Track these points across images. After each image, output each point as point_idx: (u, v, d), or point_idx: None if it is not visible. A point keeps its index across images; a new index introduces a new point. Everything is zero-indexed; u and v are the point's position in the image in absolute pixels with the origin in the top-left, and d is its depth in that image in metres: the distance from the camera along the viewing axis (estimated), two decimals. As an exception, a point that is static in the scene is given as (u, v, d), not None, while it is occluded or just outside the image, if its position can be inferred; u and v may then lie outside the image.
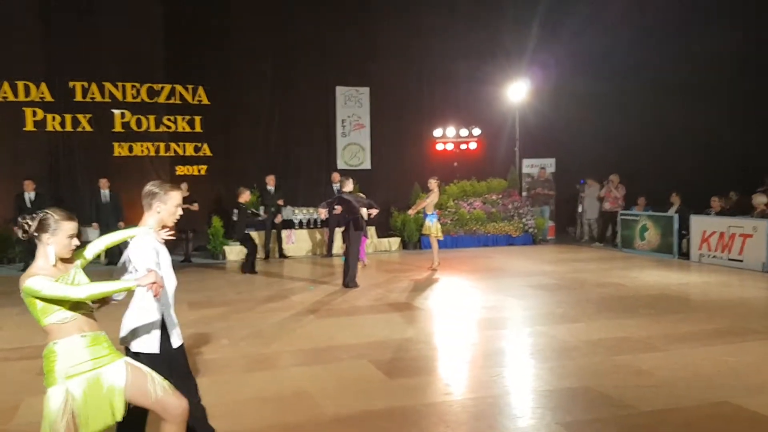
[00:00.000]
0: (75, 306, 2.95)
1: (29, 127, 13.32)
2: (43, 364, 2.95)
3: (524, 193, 16.42)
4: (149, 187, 3.42)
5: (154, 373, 3.13)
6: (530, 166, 16.66)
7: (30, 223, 2.94)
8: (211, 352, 6.07)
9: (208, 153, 14.72)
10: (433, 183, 11.45)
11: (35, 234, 2.95)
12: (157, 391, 3.07)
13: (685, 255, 12.16)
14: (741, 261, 10.83)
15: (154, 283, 2.93)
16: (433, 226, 11.29)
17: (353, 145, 15.87)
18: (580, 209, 15.83)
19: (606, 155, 15.76)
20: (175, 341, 3.42)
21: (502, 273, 11.07)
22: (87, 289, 2.86)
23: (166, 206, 3.40)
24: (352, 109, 15.81)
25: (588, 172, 15.61)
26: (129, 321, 3.35)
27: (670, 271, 10.94)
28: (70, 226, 2.99)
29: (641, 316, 7.41)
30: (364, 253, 11.76)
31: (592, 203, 15.43)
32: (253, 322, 7.41)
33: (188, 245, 13.12)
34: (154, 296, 3.02)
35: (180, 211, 3.49)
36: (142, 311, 3.32)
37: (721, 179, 13.95)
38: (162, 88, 14.33)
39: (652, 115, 15.78)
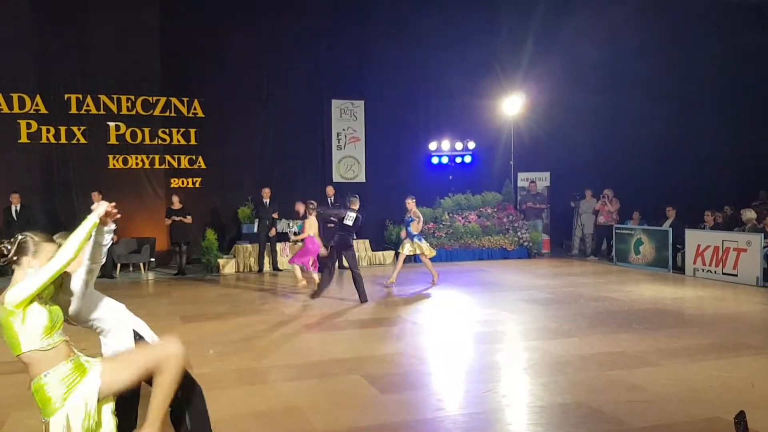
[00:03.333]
0: (57, 332, 2.85)
1: (23, 139, 13.30)
2: (35, 398, 2.85)
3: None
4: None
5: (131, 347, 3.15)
6: (525, 180, 16.68)
7: (9, 247, 2.85)
8: (201, 366, 6.00)
9: (203, 165, 14.72)
10: (411, 203, 11.34)
11: (14, 258, 2.85)
12: (139, 357, 3.04)
13: (680, 269, 12.16)
14: (735, 275, 10.83)
15: (107, 212, 3.02)
16: (423, 245, 11.23)
17: (348, 158, 15.88)
18: (576, 222, 15.82)
19: (601, 169, 15.83)
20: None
21: (497, 287, 11.04)
22: (65, 250, 2.74)
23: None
24: (348, 123, 15.84)
25: (583, 185, 15.64)
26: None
27: (665, 286, 10.92)
28: (51, 248, 2.90)
29: (635, 331, 7.39)
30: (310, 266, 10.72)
31: (588, 217, 15.43)
32: (245, 336, 7.36)
33: (182, 258, 13.07)
34: (113, 219, 3.11)
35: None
36: (115, 340, 3.36)
37: (717, 193, 14.02)
38: (157, 100, 14.35)
39: (647, 128, 15.87)
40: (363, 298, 9.49)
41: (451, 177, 16.04)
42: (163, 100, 14.37)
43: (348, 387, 5.41)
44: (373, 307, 9.17)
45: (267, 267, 13.47)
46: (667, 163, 15.40)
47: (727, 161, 15.04)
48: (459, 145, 15.96)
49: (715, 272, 11.23)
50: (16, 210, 12.04)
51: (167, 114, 14.45)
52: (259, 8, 14.79)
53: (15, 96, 13.21)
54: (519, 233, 15.31)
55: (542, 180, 16.63)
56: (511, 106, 16.06)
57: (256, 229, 13.65)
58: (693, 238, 11.82)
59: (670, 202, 13.36)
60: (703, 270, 11.52)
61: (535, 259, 15.10)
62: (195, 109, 14.63)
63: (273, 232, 13.43)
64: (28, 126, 13.35)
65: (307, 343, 7.07)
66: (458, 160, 16.08)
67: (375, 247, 14.68)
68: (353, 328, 7.87)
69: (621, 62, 15.77)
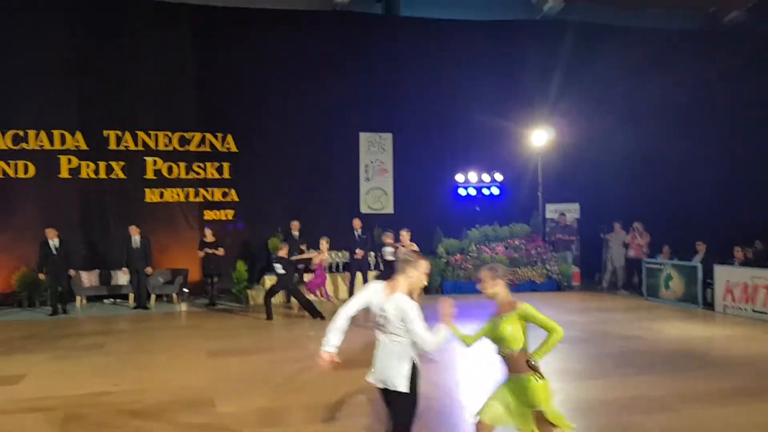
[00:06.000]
0: None
1: (64, 174, 13.89)
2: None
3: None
4: (404, 255, 3.97)
5: None
6: (554, 211, 16.61)
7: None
8: (223, 405, 6.20)
9: (236, 198, 15.11)
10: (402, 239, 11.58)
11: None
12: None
13: (710, 305, 11.96)
14: (765, 313, 10.63)
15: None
16: None
17: (376, 189, 16.11)
18: (606, 255, 15.65)
19: (631, 201, 15.73)
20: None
21: (522, 322, 10.99)
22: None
23: (417, 272, 3.87)
24: (376, 155, 16.10)
25: (613, 217, 15.51)
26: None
27: (694, 323, 10.76)
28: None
29: (659, 373, 7.34)
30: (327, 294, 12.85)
31: (618, 250, 15.26)
32: (268, 373, 7.52)
33: (213, 289, 13.38)
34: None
35: (426, 280, 3.97)
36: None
37: (748, 228, 13.78)
38: (193, 136, 14.84)
39: (678, 161, 15.75)
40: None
41: (478, 208, 16.10)
42: (198, 135, 14.86)
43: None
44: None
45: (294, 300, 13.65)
46: (698, 196, 15.24)
47: (760, 195, 14.79)
48: (486, 177, 16.05)
49: (745, 309, 11.03)
50: (54, 245, 12.31)
51: (202, 149, 14.93)
52: (291, 46, 15.22)
53: (56, 133, 13.84)
54: (548, 265, 15.24)
55: (571, 211, 16.54)
56: (539, 138, 16.09)
57: (285, 261, 13.87)
58: (722, 274, 11.64)
59: (700, 236, 13.18)
60: (733, 307, 11.32)
61: (565, 292, 15.00)
62: (228, 143, 15.07)
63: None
64: (69, 161, 13.94)
65: (324, 380, 7.16)
66: (485, 191, 16.15)
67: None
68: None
69: (650, 96, 15.74)
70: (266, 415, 5.97)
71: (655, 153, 15.84)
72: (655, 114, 15.93)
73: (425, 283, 3.99)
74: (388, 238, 11.96)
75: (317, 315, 11.19)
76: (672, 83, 15.59)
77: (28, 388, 6.97)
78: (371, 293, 3.94)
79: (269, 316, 11.40)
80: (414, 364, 3.83)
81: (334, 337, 3.95)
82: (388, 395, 3.88)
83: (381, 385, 3.88)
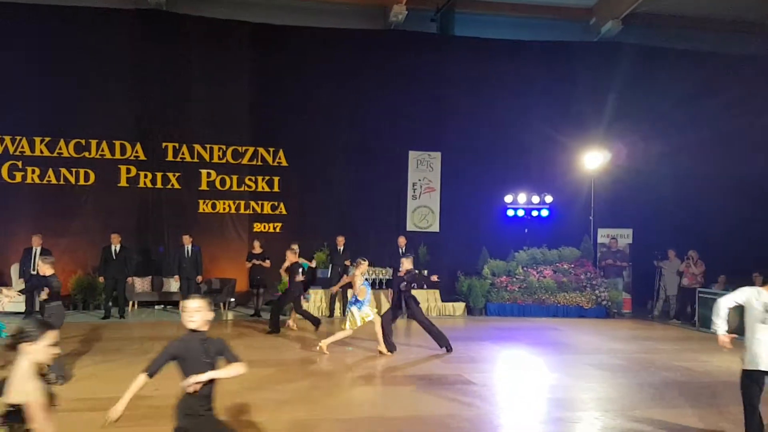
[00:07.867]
0: None
1: (123, 183, 14.48)
2: None
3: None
4: None
5: None
6: (606, 236, 16.21)
7: None
8: (254, 415, 6.30)
9: (284, 212, 15.40)
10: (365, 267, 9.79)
11: None
12: None
13: (766, 339, 11.40)
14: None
15: None
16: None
17: (423, 207, 16.12)
18: (659, 284, 15.18)
19: (687, 228, 15.24)
20: None
21: (567, 349, 10.79)
22: None
23: None
24: (424, 173, 16.13)
25: (668, 244, 15.05)
26: None
27: (747, 357, 10.30)
28: None
29: (700, 407, 7.08)
30: None
31: (671, 278, 14.78)
32: (302, 386, 7.60)
33: (258, 300, 13.62)
34: None
35: None
36: None
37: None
38: (246, 150, 15.24)
39: (738, 189, 15.19)
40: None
41: (526, 230, 15.87)
42: (251, 149, 15.26)
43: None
44: (435, 363, 9.21)
45: (337, 312, 13.77)
46: (758, 225, 14.62)
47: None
48: (536, 199, 15.82)
49: (804, 346, 10.46)
50: (115, 249, 12.84)
51: (254, 163, 15.32)
52: (343, 65, 15.49)
53: (117, 143, 14.47)
54: (597, 291, 14.88)
55: (624, 237, 16.11)
56: (592, 160, 15.79)
57: (329, 275, 14.03)
58: (780, 307, 11.09)
59: (759, 267, 12.60)
60: (791, 343, 10.76)
61: (614, 320, 14.60)
62: (280, 158, 15.40)
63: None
64: (128, 171, 14.53)
65: (360, 396, 7.23)
66: (534, 213, 15.91)
67: (445, 298, 14.62)
68: (410, 384, 7.92)
69: (709, 120, 15.28)
70: (295, 427, 6.03)
71: (713, 179, 15.32)
72: (713, 139, 15.42)
73: None
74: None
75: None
76: (731, 108, 15.10)
77: (72, 389, 7.21)
78: (750, 293, 5.28)
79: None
80: None
81: (723, 324, 5.38)
82: None
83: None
